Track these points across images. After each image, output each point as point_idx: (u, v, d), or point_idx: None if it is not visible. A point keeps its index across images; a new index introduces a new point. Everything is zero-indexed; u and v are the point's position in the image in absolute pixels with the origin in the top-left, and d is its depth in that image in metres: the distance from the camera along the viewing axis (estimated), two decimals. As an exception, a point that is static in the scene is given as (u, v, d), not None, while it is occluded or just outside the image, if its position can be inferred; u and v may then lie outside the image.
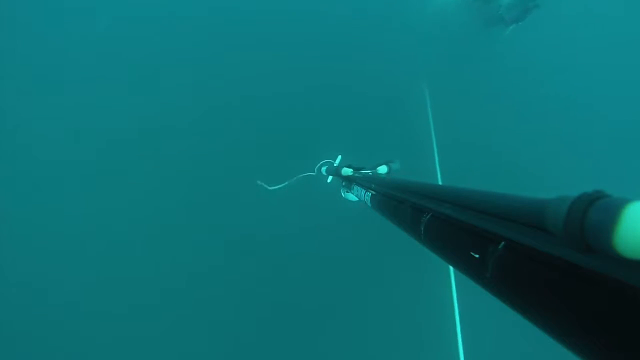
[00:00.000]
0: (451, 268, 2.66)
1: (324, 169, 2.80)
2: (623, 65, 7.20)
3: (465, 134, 5.84)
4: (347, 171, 2.56)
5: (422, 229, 0.80)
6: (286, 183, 3.09)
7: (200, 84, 6.78)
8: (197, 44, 7.10)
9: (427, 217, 0.80)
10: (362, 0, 6.39)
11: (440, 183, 2.87)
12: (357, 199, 2.54)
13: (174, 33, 7.04)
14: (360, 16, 6.29)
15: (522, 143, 6.66)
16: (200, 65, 6.98)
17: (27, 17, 7.35)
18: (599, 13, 7.34)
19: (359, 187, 1.86)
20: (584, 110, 6.93)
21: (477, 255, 0.56)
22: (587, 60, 7.23)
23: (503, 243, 0.51)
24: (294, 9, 6.30)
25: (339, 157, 2.81)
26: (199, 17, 7.31)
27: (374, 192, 1.45)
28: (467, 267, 0.60)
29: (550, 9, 5.30)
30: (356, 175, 2.45)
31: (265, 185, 3.19)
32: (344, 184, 2.54)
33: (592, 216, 0.35)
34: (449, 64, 5.89)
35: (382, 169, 2.51)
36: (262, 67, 6.10)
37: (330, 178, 2.74)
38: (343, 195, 2.67)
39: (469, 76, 5.92)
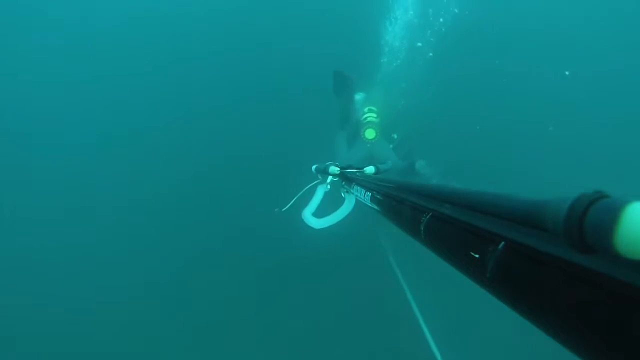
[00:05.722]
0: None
1: (313, 167, 2.75)
2: (623, 63, 7.19)
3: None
4: (334, 170, 2.46)
5: (422, 229, 0.80)
6: (296, 197, 2.94)
7: (194, 84, 6.77)
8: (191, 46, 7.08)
9: (427, 217, 0.80)
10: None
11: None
12: (354, 199, 2.51)
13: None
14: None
15: (522, 143, 6.66)
16: (196, 66, 6.96)
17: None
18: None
19: (358, 187, 1.86)
20: (583, 110, 6.93)
21: (476, 256, 0.56)
22: (588, 58, 7.23)
23: (503, 243, 0.51)
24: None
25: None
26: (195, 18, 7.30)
27: (373, 192, 1.45)
28: (467, 267, 0.61)
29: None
30: (346, 173, 2.37)
31: (280, 209, 3.03)
32: (343, 183, 2.51)
33: (592, 216, 0.35)
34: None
35: (370, 170, 2.41)
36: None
37: (329, 178, 2.70)
38: (343, 195, 2.64)
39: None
